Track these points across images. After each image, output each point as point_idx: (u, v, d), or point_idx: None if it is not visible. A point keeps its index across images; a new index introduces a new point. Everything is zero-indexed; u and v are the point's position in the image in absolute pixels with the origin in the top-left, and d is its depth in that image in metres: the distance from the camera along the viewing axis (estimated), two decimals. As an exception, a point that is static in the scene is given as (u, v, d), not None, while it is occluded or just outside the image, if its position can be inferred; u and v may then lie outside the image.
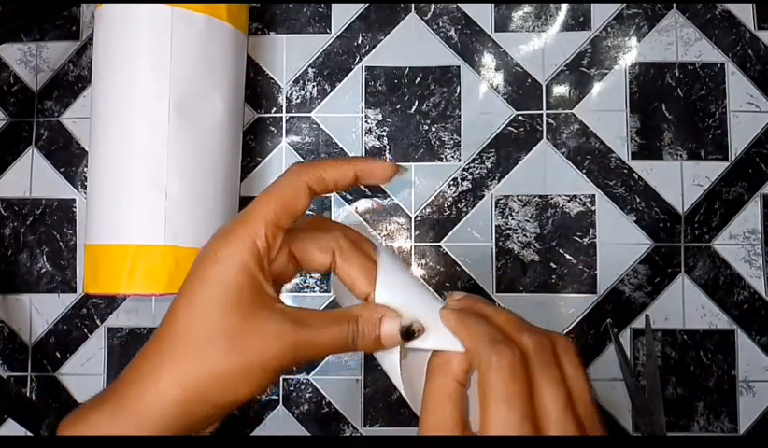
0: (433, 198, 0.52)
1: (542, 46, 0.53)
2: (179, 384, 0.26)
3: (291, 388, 0.51)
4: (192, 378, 0.26)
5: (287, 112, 0.53)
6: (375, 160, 0.32)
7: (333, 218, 0.52)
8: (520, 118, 0.52)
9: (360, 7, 0.53)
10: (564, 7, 0.53)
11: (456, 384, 0.27)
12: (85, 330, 0.53)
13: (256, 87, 0.53)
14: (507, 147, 0.52)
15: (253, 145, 0.53)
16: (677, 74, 0.52)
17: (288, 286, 0.52)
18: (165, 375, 0.27)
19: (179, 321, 0.28)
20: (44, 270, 0.53)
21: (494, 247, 0.52)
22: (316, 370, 0.51)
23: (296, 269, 0.32)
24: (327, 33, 0.54)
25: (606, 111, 0.52)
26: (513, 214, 0.52)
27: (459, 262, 0.52)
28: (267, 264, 0.28)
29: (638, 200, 0.51)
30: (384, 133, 0.53)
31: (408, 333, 0.28)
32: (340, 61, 0.53)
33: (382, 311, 0.29)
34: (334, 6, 0.54)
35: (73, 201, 0.54)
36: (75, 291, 0.53)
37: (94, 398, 0.29)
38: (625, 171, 0.52)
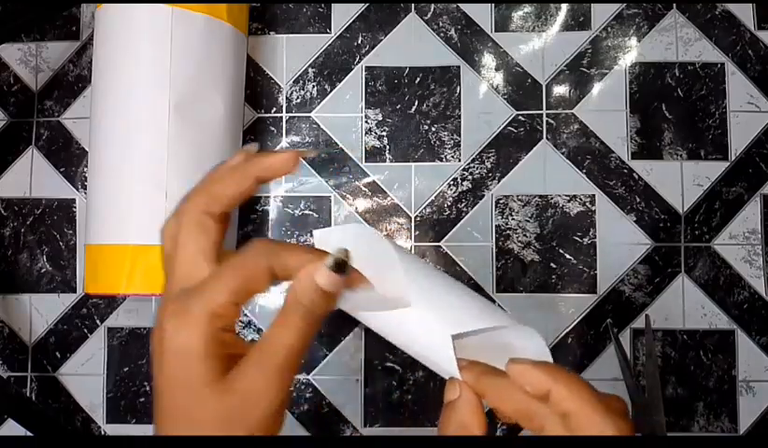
0: (433, 198, 0.52)
1: (542, 46, 0.53)
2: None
3: (292, 388, 0.51)
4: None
5: (287, 112, 0.53)
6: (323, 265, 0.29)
7: (332, 218, 0.52)
8: (520, 118, 0.52)
9: (360, 7, 0.53)
10: (564, 6, 0.53)
11: None
12: (85, 330, 0.53)
13: (256, 87, 0.53)
14: (507, 147, 0.52)
15: (253, 145, 0.53)
16: (677, 74, 0.52)
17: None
18: None
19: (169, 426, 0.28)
20: (44, 270, 0.53)
21: (494, 247, 0.52)
22: (316, 370, 0.51)
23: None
24: (327, 33, 0.54)
25: (606, 111, 0.52)
26: (513, 214, 0.52)
27: (459, 262, 0.52)
28: (223, 334, 0.28)
29: (638, 200, 0.51)
30: (384, 133, 0.53)
31: (338, 266, 0.28)
32: (340, 61, 0.53)
33: (312, 266, 0.28)
34: (333, 6, 0.54)
35: (73, 201, 0.54)
36: (75, 291, 0.53)
37: None
38: (625, 171, 0.52)
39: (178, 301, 0.28)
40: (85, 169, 0.54)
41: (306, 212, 0.53)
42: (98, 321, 0.53)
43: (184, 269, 0.29)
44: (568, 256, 0.51)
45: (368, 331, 0.51)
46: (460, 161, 0.52)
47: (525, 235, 0.51)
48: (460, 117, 0.53)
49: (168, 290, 0.28)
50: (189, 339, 0.27)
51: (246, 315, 0.52)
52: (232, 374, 0.27)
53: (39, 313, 0.53)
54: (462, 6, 0.53)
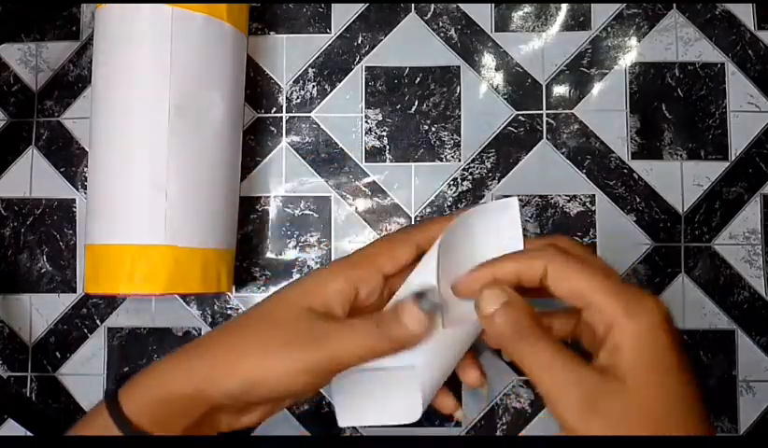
0: (433, 198, 0.52)
1: (542, 46, 0.53)
2: (250, 370, 0.30)
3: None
4: (260, 371, 0.30)
5: (287, 112, 0.53)
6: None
7: (332, 218, 0.52)
8: (520, 118, 0.52)
9: (360, 7, 0.53)
10: (564, 6, 0.53)
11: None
12: (85, 330, 0.53)
13: (256, 87, 0.53)
14: (507, 147, 0.52)
15: (253, 145, 0.53)
16: (677, 74, 0.52)
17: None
18: (242, 359, 0.30)
19: (272, 311, 0.32)
20: (44, 270, 0.53)
21: (494, 247, 0.51)
22: (316, 370, 0.51)
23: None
24: (327, 33, 0.54)
25: (606, 111, 0.52)
26: (513, 214, 0.52)
27: (459, 262, 0.52)
28: (364, 299, 0.33)
29: (638, 200, 0.51)
30: (384, 133, 0.53)
31: (426, 302, 0.30)
32: (340, 61, 0.53)
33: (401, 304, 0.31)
34: (333, 6, 0.54)
35: (73, 201, 0.54)
36: (75, 291, 0.53)
37: (172, 353, 0.33)
38: (625, 171, 0.52)
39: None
40: (85, 169, 0.54)
41: (307, 212, 0.53)
42: (98, 321, 0.53)
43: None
44: (568, 256, 0.51)
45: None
46: (460, 161, 0.52)
47: (525, 235, 0.51)
48: (460, 117, 0.53)
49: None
50: (335, 288, 0.32)
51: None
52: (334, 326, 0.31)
53: (39, 313, 0.53)
54: (462, 6, 0.53)
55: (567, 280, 0.29)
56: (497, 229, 0.35)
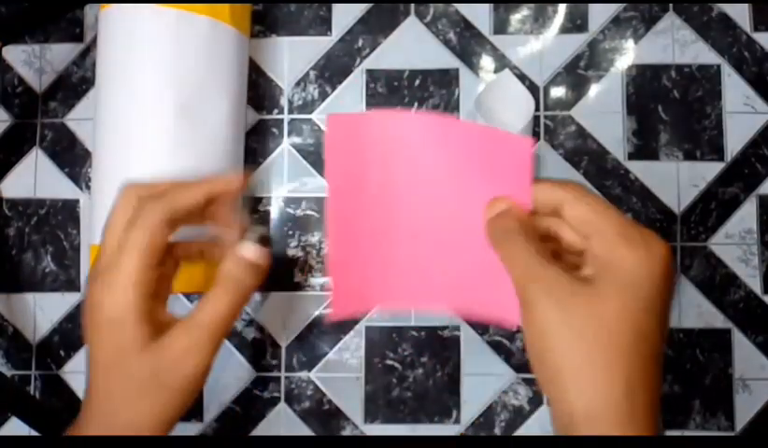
0: (432, 198, 0.53)
1: (540, 48, 0.53)
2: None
3: (293, 386, 0.52)
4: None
5: (289, 114, 0.54)
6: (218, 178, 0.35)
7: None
8: (519, 119, 0.53)
9: (361, 9, 0.54)
10: (562, 9, 0.54)
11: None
12: (89, 329, 0.53)
13: (258, 89, 0.54)
14: (506, 148, 0.53)
15: (255, 146, 0.54)
16: (674, 75, 0.53)
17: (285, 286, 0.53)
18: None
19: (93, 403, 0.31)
20: (48, 269, 0.54)
21: (493, 247, 0.52)
22: (317, 367, 0.52)
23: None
24: (328, 35, 0.54)
25: (603, 113, 0.53)
26: (511, 214, 0.52)
27: (458, 262, 0.52)
28: (149, 294, 0.32)
29: (635, 200, 0.52)
30: (384, 135, 0.53)
31: (263, 240, 0.34)
32: (341, 63, 0.54)
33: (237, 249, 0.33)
34: (334, 8, 0.54)
35: (77, 201, 0.54)
36: (78, 290, 0.54)
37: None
38: (622, 172, 0.52)
39: (103, 273, 0.31)
40: (89, 170, 0.54)
41: (309, 212, 0.53)
42: (102, 320, 0.53)
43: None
44: (566, 255, 0.52)
45: (368, 330, 0.52)
46: (459, 161, 0.53)
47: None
48: (458, 118, 0.53)
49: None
50: (117, 307, 0.30)
51: (247, 313, 0.53)
52: (164, 337, 0.31)
53: (43, 312, 0.54)
54: (460, 8, 0.54)
55: (580, 208, 0.30)
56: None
